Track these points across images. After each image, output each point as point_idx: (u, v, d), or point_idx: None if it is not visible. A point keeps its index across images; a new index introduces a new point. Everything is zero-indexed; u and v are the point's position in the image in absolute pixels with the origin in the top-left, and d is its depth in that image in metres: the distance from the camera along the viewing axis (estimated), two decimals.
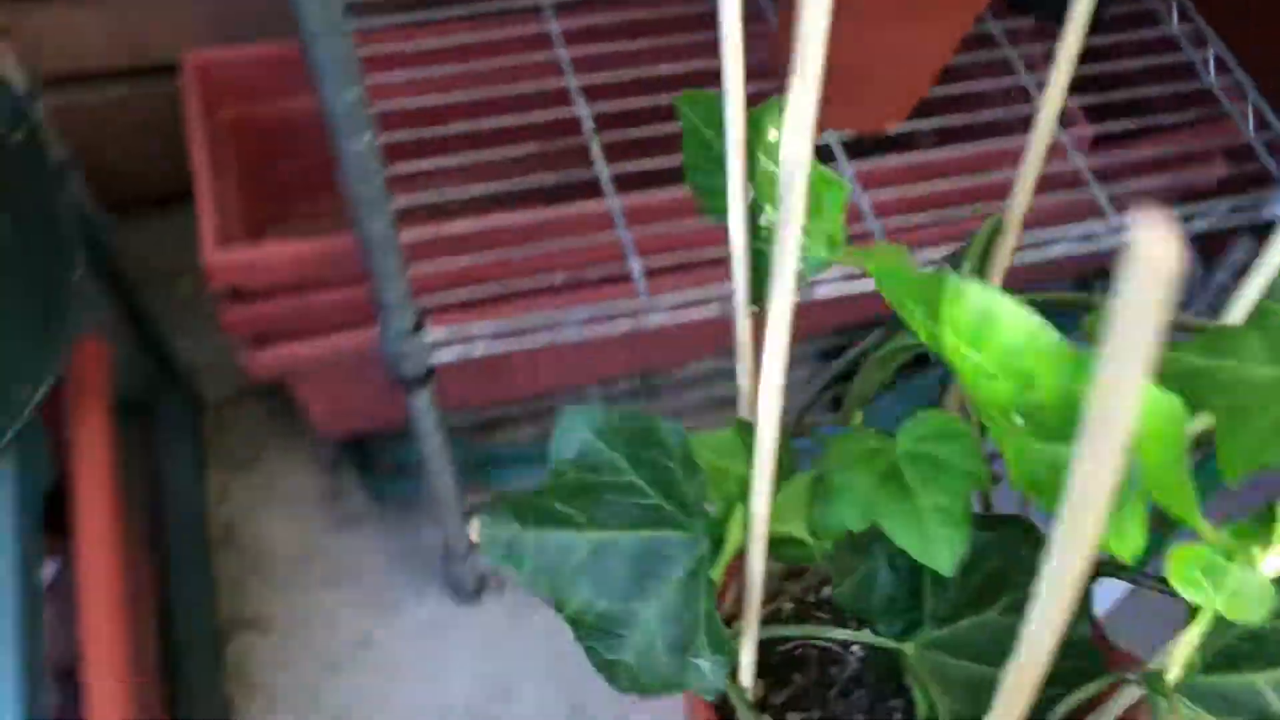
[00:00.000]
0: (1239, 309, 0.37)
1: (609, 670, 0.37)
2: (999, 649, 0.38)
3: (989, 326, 0.28)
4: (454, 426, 1.00)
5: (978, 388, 0.32)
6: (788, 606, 0.47)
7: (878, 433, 0.38)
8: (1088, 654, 0.38)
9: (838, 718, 0.46)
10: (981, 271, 0.42)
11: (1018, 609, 0.38)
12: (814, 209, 0.35)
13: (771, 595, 0.47)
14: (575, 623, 0.37)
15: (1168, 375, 0.32)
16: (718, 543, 0.35)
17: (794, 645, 0.49)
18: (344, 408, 1.15)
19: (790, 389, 0.31)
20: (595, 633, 0.37)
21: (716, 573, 0.34)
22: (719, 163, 0.37)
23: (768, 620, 0.45)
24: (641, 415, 0.34)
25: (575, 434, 0.35)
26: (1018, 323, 0.27)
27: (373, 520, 1.30)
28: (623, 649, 0.37)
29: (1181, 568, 0.31)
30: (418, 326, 0.73)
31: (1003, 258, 0.41)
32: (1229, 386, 0.32)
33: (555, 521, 0.36)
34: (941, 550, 0.35)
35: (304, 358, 0.98)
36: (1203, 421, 0.32)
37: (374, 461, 1.27)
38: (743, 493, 0.34)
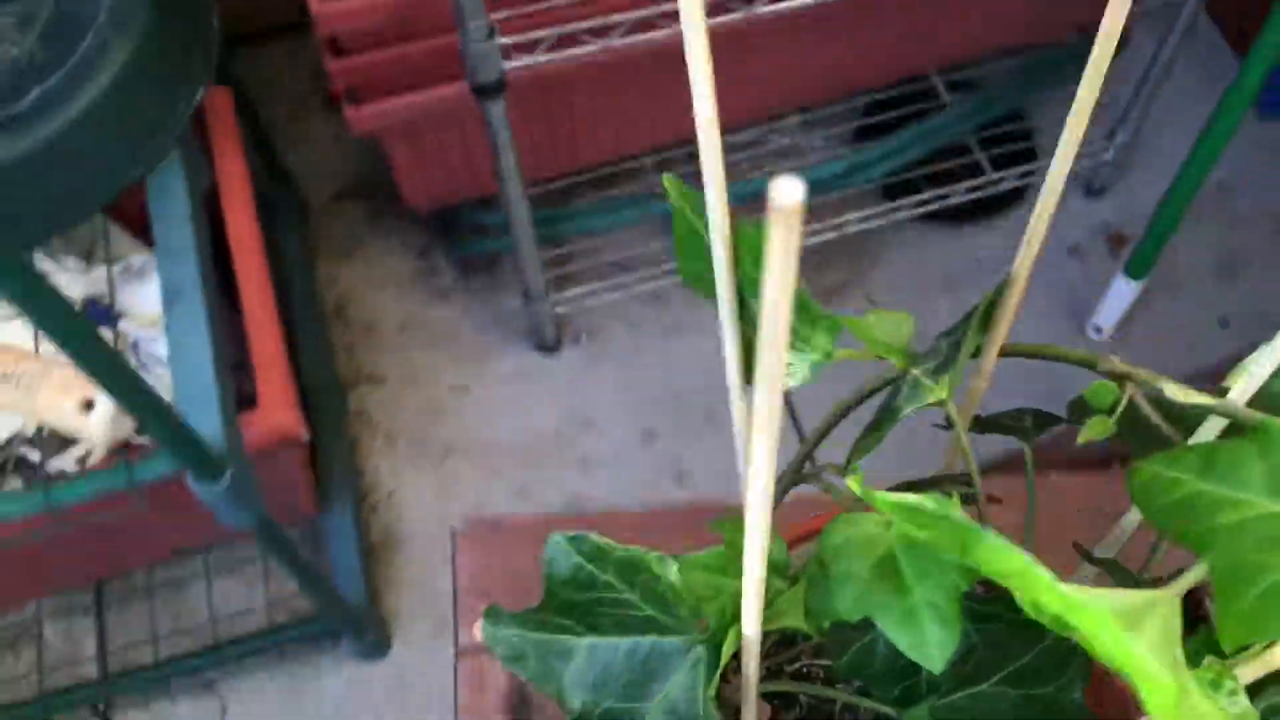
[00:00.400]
0: (1236, 387, 0.37)
1: None
2: (989, 713, 0.39)
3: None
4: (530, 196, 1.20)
5: None
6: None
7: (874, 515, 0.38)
8: (1077, 708, 0.39)
9: None
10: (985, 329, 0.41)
11: (1011, 681, 0.38)
12: (803, 334, 0.35)
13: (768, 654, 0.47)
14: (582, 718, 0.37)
15: (1164, 502, 0.32)
16: (715, 648, 0.35)
17: (800, 664, 0.49)
18: (433, 171, 1.32)
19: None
20: None
21: (711, 690, 0.34)
22: (705, 251, 0.35)
23: (767, 675, 0.46)
24: (628, 548, 0.34)
25: (564, 560, 0.35)
26: None
27: (461, 293, 1.55)
28: None
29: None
30: (490, 33, 0.95)
31: (1004, 323, 0.40)
32: (1232, 532, 0.31)
33: (554, 629, 0.36)
34: (933, 650, 0.35)
35: (398, 110, 1.15)
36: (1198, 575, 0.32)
37: (460, 227, 1.50)
38: (736, 611, 0.34)
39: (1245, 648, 0.33)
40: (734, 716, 0.41)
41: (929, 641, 0.35)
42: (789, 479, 0.44)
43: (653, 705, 0.36)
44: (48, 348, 0.92)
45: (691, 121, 0.28)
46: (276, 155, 1.51)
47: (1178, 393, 0.38)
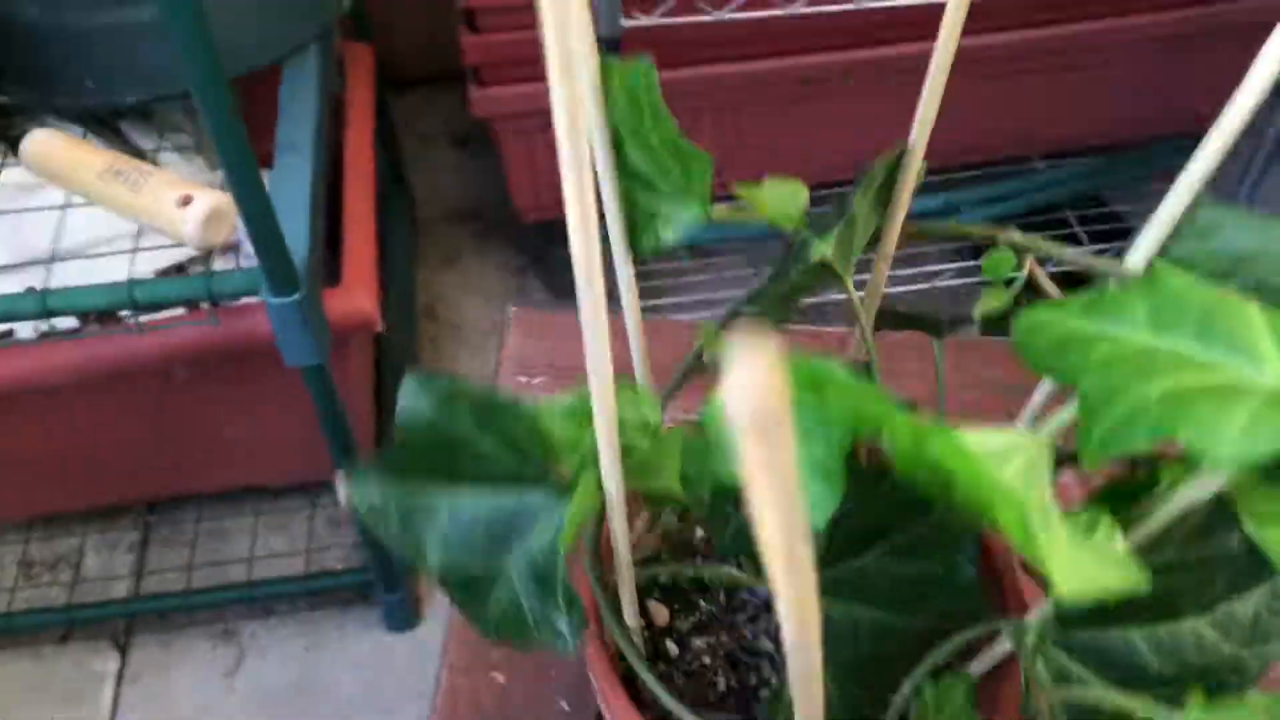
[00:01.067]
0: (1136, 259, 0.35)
1: (479, 623, 0.37)
2: (877, 593, 0.37)
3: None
4: None
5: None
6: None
7: None
8: (970, 597, 0.37)
9: (745, 643, 0.45)
10: (885, 204, 0.40)
11: (896, 554, 0.37)
12: (683, 177, 0.33)
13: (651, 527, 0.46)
14: (442, 580, 0.36)
15: (1043, 342, 0.30)
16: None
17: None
18: (542, 174, 1.36)
19: None
20: (463, 590, 0.36)
21: (565, 538, 0.33)
22: None
23: (651, 559, 0.44)
24: (485, 386, 0.33)
25: (419, 404, 0.34)
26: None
27: (550, 309, 1.63)
28: (489, 605, 0.36)
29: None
30: None
31: (904, 198, 0.38)
32: (1105, 364, 0.30)
33: (415, 482, 0.36)
34: (814, 506, 0.34)
35: (515, 99, 1.20)
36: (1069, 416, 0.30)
37: (557, 252, 1.55)
38: (594, 459, 0.33)
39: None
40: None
41: (809, 498, 0.33)
42: (688, 364, 0.42)
43: (513, 563, 0.36)
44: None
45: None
46: (401, 167, 1.65)
47: (1076, 258, 0.36)
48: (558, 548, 0.34)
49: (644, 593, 0.47)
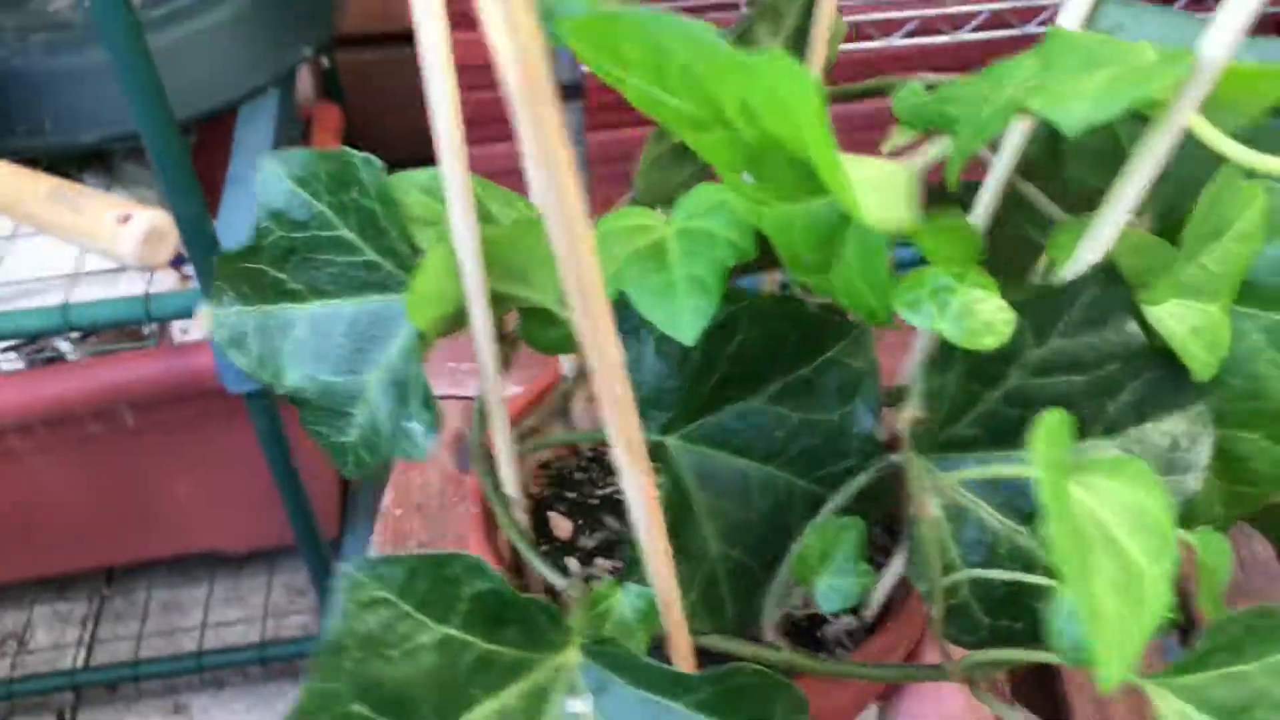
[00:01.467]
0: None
1: (337, 454, 0.34)
2: (770, 444, 0.35)
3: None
4: None
5: (700, 146, 0.28)
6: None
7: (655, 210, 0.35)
8: (869, 453, 0.35)
9: None
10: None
11: (786, 396, 0.34)
12: None
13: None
14: (299, 401, 0.34)
15: (929, 102, 0.28)
16: None
17: (613, 490, 0.45)
18: None
19: None
20: (321, 413, 0.34)
21: (419, 318, 0.31)
22: None
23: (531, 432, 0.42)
24: (338, 151, 0.31)
25: (276, 184, 0.32)
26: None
27: None
28: (349, 429, 0.34)
29: (908, 292, 0.28)
30: None
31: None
32: (980, 97, 0.28)
33: (275, 295, 0.34)
34: (686, 318, 0.32)
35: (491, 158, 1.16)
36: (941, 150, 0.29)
37: None
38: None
39: None
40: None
41: (682, 311, 0.31)
42: None
43: (372, 375, 0.33)
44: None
45: None
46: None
47: None
48: (416, 345, 0.32)
49: (546, 504, 0.44)
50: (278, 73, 1.09)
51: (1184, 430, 0.31)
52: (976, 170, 0.33)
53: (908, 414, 0.29)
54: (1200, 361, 0.30)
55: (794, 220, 0.30)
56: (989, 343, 0.27)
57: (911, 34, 1.02)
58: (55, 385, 0.97)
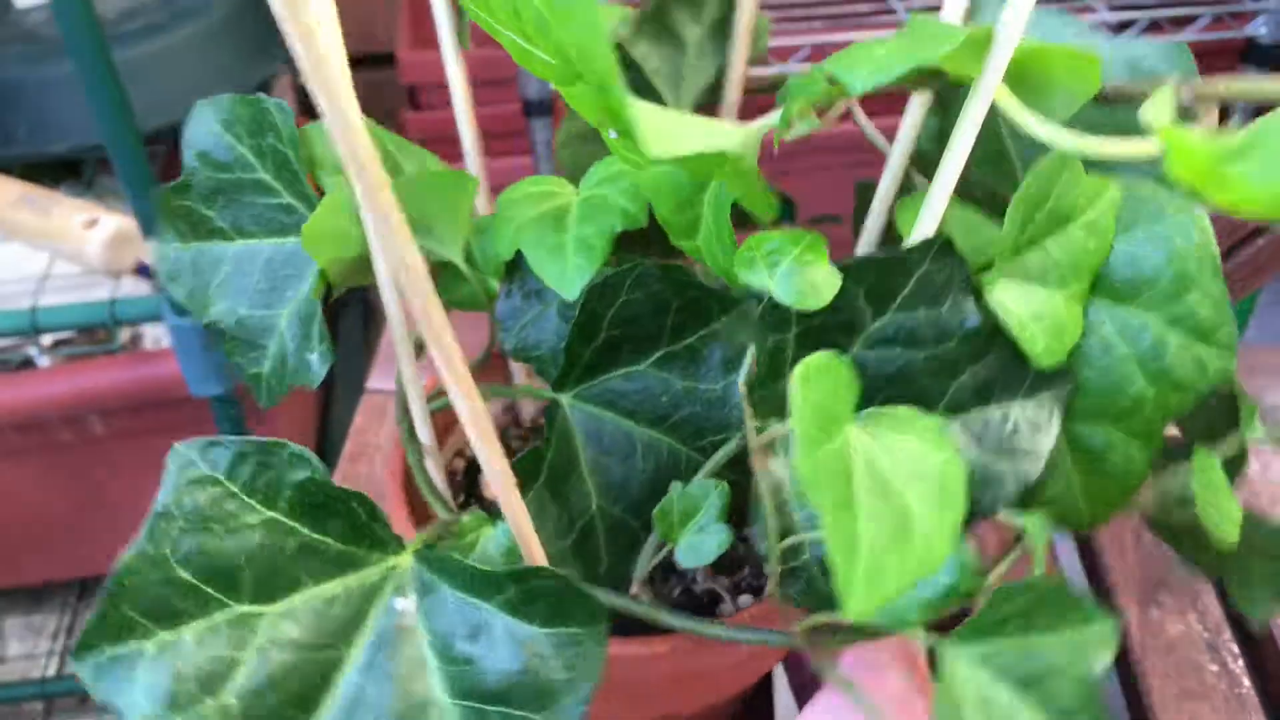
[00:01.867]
0: None
1: (254, 384, 0.37)
2: (655, 408, 0.37)
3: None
4: None
5: (571, 100, 0.31)
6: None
7: (567, 180, 0.38)
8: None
9: None
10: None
11: (671, 363, 0.36)
12: None
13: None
14: (219, 332, 0.37)
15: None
16: None
17: None
18: None
19: None
20: (240, 345, 0.37)
21: (317, 254, 0.33)
22: None
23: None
24: (254, 98, 0.34)
25: (204, 127, 0.35)
26: None
27: None
28: (263, 360, 0.37)
29: (745, 252, 0.30)
30: None
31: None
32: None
33: (206, 233, 0.37)
34: (571, 276, 0.34)
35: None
36: None
37: None
38: None
39: None
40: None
41: (569, 268, 0.34)
42: None
43: (284, 310, 0.36)
44: None
45: None
46: None
47: None
48: (318, 282, 0.35)
49: (478, 467, 0.46)
50: (250, 85, 1.10)
51: (1028, 417, 0.32)
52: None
53: (744, 369, 0.31)
54: (1041, 347, 0.31)
55: (662, 183, 0.32)
56: (813, 303, 0.29)
57: None
58: (25, 391, 0.99)
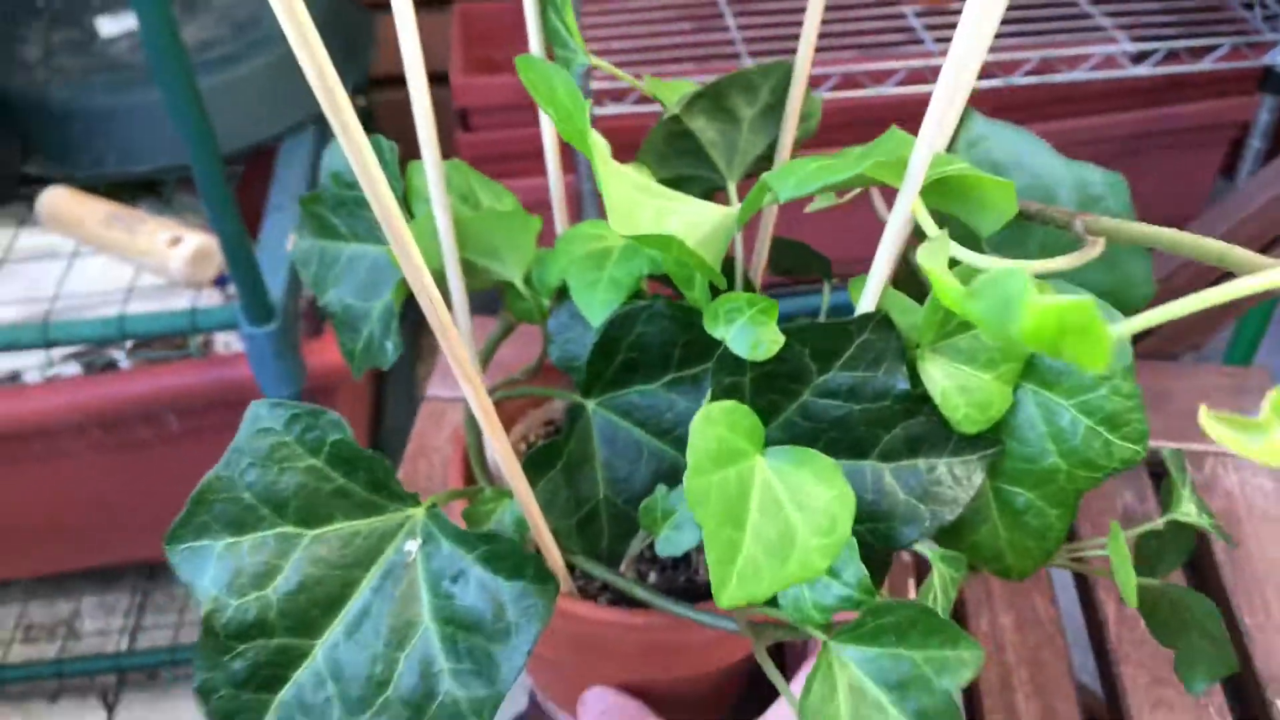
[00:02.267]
0: None
1: (350, 358, 0.46)
2: (657, 419, 0.44)
3: None
4: None
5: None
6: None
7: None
8: None
9: None
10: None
11: (677, 387, 0.43)
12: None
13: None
14: (330, 314, 0.46)
15: None
16: None
17: None
18: None
19: None
20: (343, 326, 0.46)
21: (399, 267, 0.42)
22: None
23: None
24: (375, 136, 0.43)
25: (339, 154, 0.45)
26: None
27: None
28: (358, 340, 0.46)
29: (712, 309, 0.37)
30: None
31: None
32: None
33: (331, 235, 0.46)
34: (597, 307, 0.42)
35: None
36: None
37: None
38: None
39: None
40: None
41: (598, 301, 0.42)
42: None
43: (377, 304, 0.45)
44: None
45: None
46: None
47: None
48: (400, 288, 0.44)
49: None
50: (315, 112, 1.21)
51: (954, 473, 0.38)
52: None
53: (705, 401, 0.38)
54: (961, 415, 0.37)
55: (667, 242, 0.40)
56: (759, 355, 0.36)
57: (901, 83, 1.06)
58: (108, 390, 1.08)
